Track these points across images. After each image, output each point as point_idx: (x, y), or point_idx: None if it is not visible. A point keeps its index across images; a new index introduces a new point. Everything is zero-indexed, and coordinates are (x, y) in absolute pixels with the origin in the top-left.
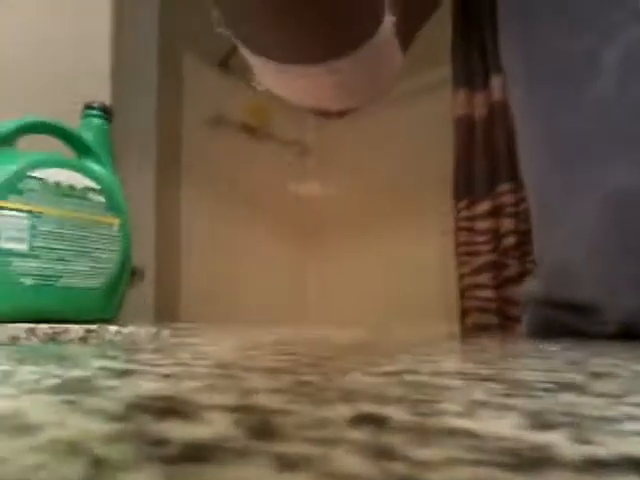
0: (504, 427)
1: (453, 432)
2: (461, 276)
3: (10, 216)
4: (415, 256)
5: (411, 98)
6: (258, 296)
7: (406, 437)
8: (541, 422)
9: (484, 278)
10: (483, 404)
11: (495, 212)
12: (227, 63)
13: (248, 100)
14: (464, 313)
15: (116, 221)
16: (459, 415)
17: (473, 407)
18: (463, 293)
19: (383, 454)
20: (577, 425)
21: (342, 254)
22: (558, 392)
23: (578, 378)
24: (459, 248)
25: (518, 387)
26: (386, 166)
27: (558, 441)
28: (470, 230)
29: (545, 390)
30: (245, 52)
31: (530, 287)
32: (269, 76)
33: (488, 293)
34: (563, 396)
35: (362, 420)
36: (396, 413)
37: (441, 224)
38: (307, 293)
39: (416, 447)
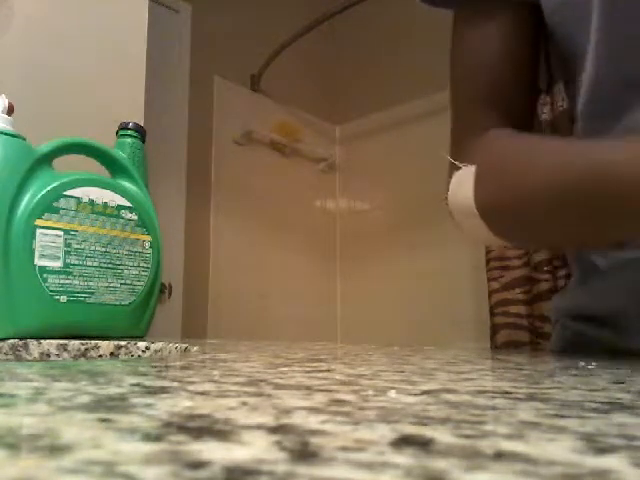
0: (558, 450)
1: (504, 455)
2: (492, 291)
3: (45, 234)
4: (446, 271)
5: (443, 112)
6: (286, 312)
7: (453, 461)
8: (597, 445)
9: (515, 293)
10: (532, 425)
11: None
12: (257, 83)
13: (276, 118)
14: (494, 330)
15: (147, 238)
16: (508, 437)
17: (522, 428)
18: (494, 309)
19: None
20: (635, 448)
21: (371, 270)
22: (609, 412)
23: (626, 397)
24: (490, 263)
25: (566, 407)
26: (415, 181)
27: (618, 466)
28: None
29: (595, 410)
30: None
31: (561, 302)
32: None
33: (519, 309)
34: (615, 417)
35: (405, 442)
36: (440, 435)
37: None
38: (336, 309)
39: (465, 472)
